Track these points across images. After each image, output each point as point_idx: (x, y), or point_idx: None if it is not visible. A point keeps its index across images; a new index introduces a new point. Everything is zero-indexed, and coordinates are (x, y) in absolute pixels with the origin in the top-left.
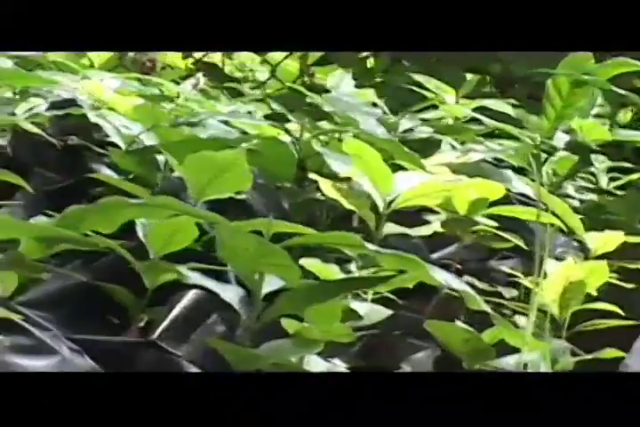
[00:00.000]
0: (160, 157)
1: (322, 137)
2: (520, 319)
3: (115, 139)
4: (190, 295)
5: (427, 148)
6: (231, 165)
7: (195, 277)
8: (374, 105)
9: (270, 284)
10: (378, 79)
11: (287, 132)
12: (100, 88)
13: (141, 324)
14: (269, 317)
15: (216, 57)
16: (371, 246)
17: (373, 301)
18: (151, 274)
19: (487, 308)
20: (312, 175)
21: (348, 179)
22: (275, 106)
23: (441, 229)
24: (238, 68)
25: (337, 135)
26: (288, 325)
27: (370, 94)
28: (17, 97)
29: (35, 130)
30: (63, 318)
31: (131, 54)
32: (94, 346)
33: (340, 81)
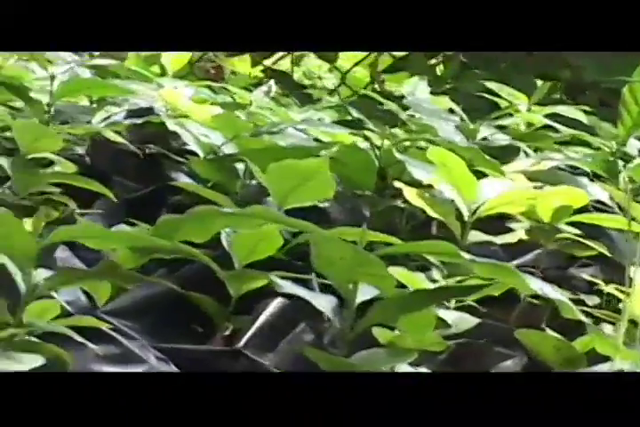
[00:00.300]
0: (239, 165)
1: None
2: (605, 327)
3: (193, 147)
4: (275, 304)
5: (503, 155)
6: (314, 173)
7: (286, 286)
8: (451, 111)
9: (363, 293)
10: (448, 86)
11: (367, 139)
12: (177, 96)
13: (227, 332)
14: (363, 326)
15: (284, 64)
16: (466, 255)
17: (456, 309)
18: (236, 282)
19: (582, 317)
20: (397, 183)
21: (429, 186)
22: (354, 113)
23: (525, 237)
24: (306, 75)
25: (414, 142)
26: (380, 334)
27: (445, 101)
28: (94, 106)
29: (118, 139)
30: (148, 326)
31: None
32: (180, 355)
33: (415, 88)
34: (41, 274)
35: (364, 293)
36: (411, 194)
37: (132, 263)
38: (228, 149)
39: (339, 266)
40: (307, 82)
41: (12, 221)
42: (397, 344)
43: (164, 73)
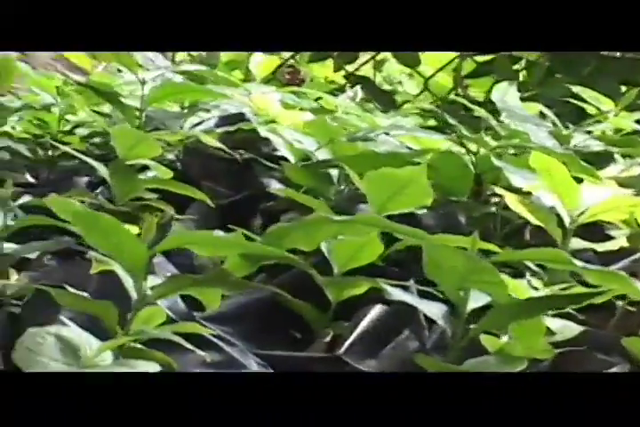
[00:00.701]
0: (333, 171)
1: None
2: None
3: (284, 153)
4: (376, 311)
5: (596, 161)
6: (413, 180)
7: (395, 293)
8: (542, 117)
9: (474, 300)
10: (532, 91)
11: (463, 145)
12: (268, 102)
13: (327, 339)
14: (474, 333)
15: (366, 69)
16: (578, 263)
17: (553, 316)
18: (335, 289)
19: None
20: (497, 189)
21: (525, 193)
22: (448, 119)
23: (626, 244)
24: (387, 80)
25: (506, 148)
26: (488, 341)
27: (534, 106)
28: (185, 111)
29: (216, 144)
30: (246, 333)
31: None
32: (280, 361)
33: (504, 93)
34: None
35: (475, 300)
36: (512, 200)
37: (242, 271)
38: (321, 155)
39: (450, 273)
40: (387, 87)
41: (122, 229)
42: (506, 352)
43: (246, 78)
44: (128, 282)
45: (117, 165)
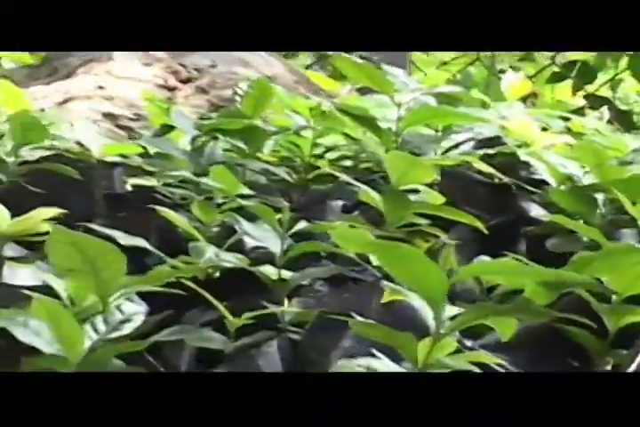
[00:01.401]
0: (598, 196)
1: None
2: None
3: (545, 177)
4: None
5: None
6: None
7: None
8: None
9: None
10: None
11: None
12: (527, 125)
13: (607, 367)
14: None
15: (605, 91)
16: None
17: None
18: (613, 316)
19: None
20: None
21: None
22: None
23: None
24: (622, 100)
25: None
26: None
27: None
28: (439, 134)
29: (486, 168)
30: (524, 360)
31: None
32: None
33: None
34: None
35: None
36: None
37: (542, 299)
38: (586, 179)
39: None
40: (624, 107)
41: (423, 259)
42: None
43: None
44: (427, 313)
45: (390, 191)
